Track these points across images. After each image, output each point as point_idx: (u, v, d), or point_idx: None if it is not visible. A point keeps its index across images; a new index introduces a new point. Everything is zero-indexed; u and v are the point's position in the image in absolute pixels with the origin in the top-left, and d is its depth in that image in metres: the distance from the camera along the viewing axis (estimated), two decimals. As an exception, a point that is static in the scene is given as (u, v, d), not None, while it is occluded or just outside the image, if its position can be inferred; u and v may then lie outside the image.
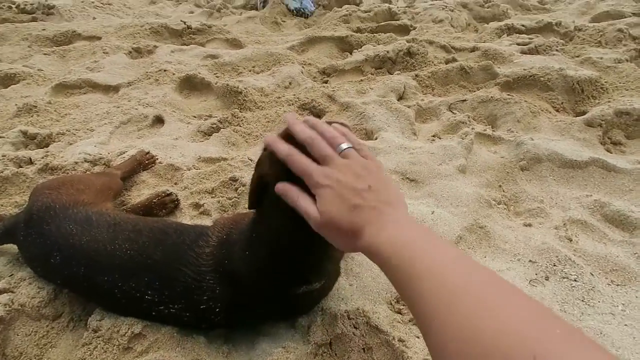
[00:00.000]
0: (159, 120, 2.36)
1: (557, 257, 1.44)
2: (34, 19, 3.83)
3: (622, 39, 3.13)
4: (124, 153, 1.96)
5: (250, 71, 2.89)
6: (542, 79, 2.51)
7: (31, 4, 3.95)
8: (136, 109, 2.40)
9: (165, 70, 2.76)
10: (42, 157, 1.98)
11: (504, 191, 1.84)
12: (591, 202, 1.72)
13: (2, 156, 1.96)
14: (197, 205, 1.68)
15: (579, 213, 1.67)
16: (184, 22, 3.57)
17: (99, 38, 3.41)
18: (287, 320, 1.19)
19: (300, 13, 3.96)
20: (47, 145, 2.15)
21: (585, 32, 3.29)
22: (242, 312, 1.09)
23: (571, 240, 1.54)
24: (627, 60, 2.85)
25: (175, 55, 3.08)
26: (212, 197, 1.71)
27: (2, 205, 1.69)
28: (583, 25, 3.40)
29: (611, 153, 2.09)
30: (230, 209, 1.67)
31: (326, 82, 2.84)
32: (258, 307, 1.09)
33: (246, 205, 1.67)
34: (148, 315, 1.11)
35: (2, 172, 1.80)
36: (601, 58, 2.83)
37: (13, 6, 3.94)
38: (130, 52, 3.16)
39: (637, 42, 3.09)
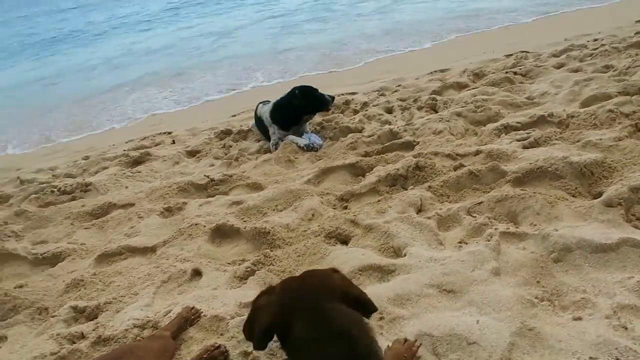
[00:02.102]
0: (196, 273, 2.48)
1: (616, 349, 1.41)
2: (74, 198, 4.21)
3: (615, 118, 3.31)
4: (170, 312, 2.04)
5: (274, 210, 3.08)
6: (549, 169, 2.63)
7: (70, 185, 4.38)
8: (174, 265, 2.54)
9: (196, 224, 2.96)
10: (93, 329, 2.07)
11: (543, 287, 1.84)
12: (634, 283, 1.71)
13: (57, 335, 2.07)
14: (246, 354, 1.71)
15: (626, 297, 1.65)
16: (207, 176, 3.89)
17: (133, 204, 3.71)
18: None
19: (310, 148, 4.30)
20: (96, 317, 2.26)
21: (578, 117, 3.49)
22: None
23: (626, 328, 1.51)
24: (626, 137, 2.98)
25: (203, 208, 3.32)
26: None
27: (59, 386, 1.74)
28: (575, 112, 3.61)
29: (639, 229, 2.10)
30: (280, 353, 1.68)
31: (346, 207, 2.99)
32: None
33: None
34: None
35: (58, 352, 1.89)
36: (600, 139, 2.97)
37: (55, 190, 4.37)
38: (162, 212, 3.41)
39: (630, 118, 3.25)
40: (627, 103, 3.47)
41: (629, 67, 4.53)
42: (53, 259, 3.01)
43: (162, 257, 2.70)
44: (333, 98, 4.67)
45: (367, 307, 1.26)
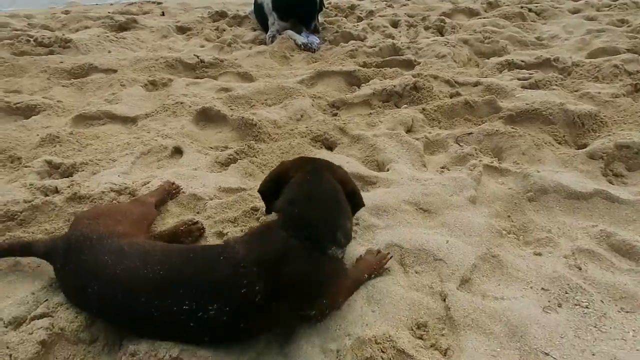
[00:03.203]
0: (177, 151, 2.45)
1: (568, 284, 1.51)
2: (51, 52, 3.97)
3: (618, 74, 3.28)
4: (148, 183, 2.04)
5: (262, 104, 3.01)
6: (544, 113, 2.62)
7: (48, 38, 4.10)
8: (155, 140, 2.49)
9: (181, 103, 2.87)
10: (68, 186, 2.06)
11: (512, 221, 1.92)
12: (597, 232, 1.80)
13: (30, 185, 2.05)
14: (220, 234, 1.75)
15: (586, 242, 1.75)
16: (197, 56, 3.71)
17: (115, 71, 3.54)
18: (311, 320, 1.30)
19: (307, 48, 4.12)
20: (71, 175, 2.23)
21: (582, 67, 3.44)
22: (280, 303, 1.18)
23: (580, 269, 1.61)
24: (623, 95, 2.97)
25: (190, 88, 3.20)
26: (234, 226, 1.78)
27: (32, 233, 1.76)
28: (580, 61, 3.54)
29: (613, 184, 2.18)
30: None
31: (336, 114, 2.95)
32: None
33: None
34: (186, 330, 1.17)
35: (32, 200, 1.88)
36: (599, 93, 2.95)
37: (31, 39, 4.09)
38: (146, 84, 3.28)
39: (632, 77, 3.23)
40: (633, 61, 3.42)
41: (644, 26, 4.41)
42: (27, 111, 2.90)
43: (143, 130, 2.64)
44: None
45: (357, 200, 1.50)
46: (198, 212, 1.91)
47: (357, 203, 1.49)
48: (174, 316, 1.15)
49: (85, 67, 3.57)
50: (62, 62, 3.65)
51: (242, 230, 1.75)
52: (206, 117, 2.78)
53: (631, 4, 5.48)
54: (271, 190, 1.43)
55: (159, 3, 6.33)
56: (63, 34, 4.29)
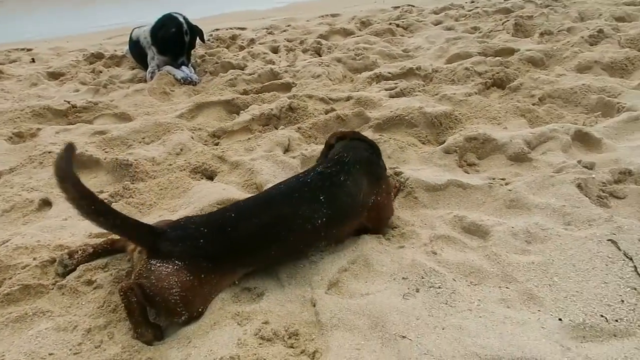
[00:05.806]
0: (46, 204, 2.33)
1: (423, 270, 1.66)
2: None
3: (469, 76, 3.68)
4: (7, 241, 1.91)
5: (140, 143, 2.95)
6: (406, 117, 2.87)
7: None
8: (19, 195, 2.35)
9: (49, 152, 2.73)
10: None
11: (382, 221, 2.06)
12: (452, 217, 2.00)
13: None
14: (90, 282, 1.69)
15: (443, 229, 1.94)
16: (68, 102, 3.55)
17: (-25, 127, 3.28)
18: None
19: (187, 81, 4.12)
20: None
21: (440, 72, 3.81)
22: None
23: (436, 254, 1.78)
24: (475, 93, 3.34)
25: (60, 135, 3.05)
26: (105, 272, 1.73)
27: None
28: (439, 67, 3.93)
29: (469, 173, 2.43)
30: (126, 280, 1.69)
31: (217, 144, 2.98)
32: None
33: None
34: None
35: None
36: (454, 93, 3.29)
37: None
38: (11, 137, 3.07)
39: (482, 76, 3.64)
40: (481, 63, 3.86)
41: (492, 31, 5.00)
42: None
43: (6, 186, 2.46)
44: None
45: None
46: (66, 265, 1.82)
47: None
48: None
49: (-63, 126, 3.27)
50: None
51: (111, 274, 1.71)
52: (79, 163, 2.66)
53: (482, 12, 6.18)
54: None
55: (29, 50, 5.97)
56: None
